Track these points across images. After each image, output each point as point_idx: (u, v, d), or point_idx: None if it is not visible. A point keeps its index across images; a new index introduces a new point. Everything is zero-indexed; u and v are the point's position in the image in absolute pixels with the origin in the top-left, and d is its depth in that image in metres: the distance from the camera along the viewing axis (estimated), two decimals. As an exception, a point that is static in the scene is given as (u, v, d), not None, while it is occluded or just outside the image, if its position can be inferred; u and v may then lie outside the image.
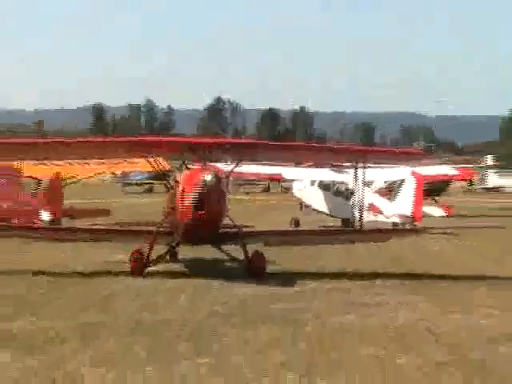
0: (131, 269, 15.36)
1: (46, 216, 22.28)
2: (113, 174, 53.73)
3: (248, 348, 8.88)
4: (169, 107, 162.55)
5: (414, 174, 25.79)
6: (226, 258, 16.50)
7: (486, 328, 10.35)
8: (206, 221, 15.02)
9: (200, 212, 14.92)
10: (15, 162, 25.40)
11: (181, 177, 16.32)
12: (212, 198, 15.04)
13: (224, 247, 16.24)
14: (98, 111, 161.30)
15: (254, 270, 15.50)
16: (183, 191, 15.26)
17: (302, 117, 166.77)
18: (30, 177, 26.02)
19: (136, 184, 55.74)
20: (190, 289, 13.54)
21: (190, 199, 14.91)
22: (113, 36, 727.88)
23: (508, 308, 12.10)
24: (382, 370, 7.81)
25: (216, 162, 19.92)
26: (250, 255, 15.78)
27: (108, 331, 9.70)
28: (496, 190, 49.32)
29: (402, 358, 8.33)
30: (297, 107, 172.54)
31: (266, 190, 56.71)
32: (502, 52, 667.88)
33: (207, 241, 16.05)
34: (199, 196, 14.80)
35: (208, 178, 14.90)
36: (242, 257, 15.82)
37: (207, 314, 11.18)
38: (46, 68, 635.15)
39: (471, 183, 49.42)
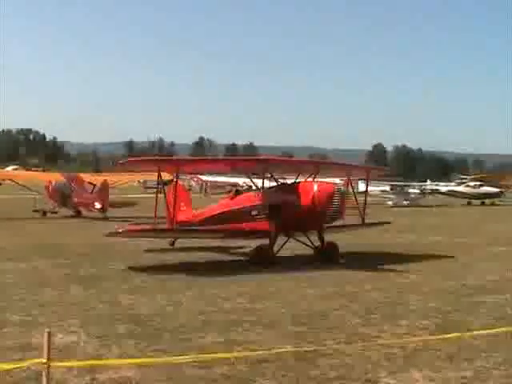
0: (259, 261, 17.64)
1: (98, 205, 34.82)
2: (138, 181, 69.31)
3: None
4: (172, 142, 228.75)
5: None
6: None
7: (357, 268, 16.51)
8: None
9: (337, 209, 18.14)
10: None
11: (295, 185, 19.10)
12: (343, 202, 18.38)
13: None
14: (130, 145, 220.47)
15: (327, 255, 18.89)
16: (316, 196, 18.01)
17: (252, 149, 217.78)
18: (90, 182, 38.18)
19: (152, 187, 76.32)
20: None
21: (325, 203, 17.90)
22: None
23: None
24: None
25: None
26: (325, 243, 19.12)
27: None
28: (362, 193, 66.57)
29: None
30: (247, 142, 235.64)
31: (228, 192, 74.18)
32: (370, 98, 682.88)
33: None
34: (337, 200, 18.06)
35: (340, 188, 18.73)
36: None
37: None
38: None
39: None
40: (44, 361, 5.30)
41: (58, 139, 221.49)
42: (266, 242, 18.41)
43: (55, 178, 40.08)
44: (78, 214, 36.83)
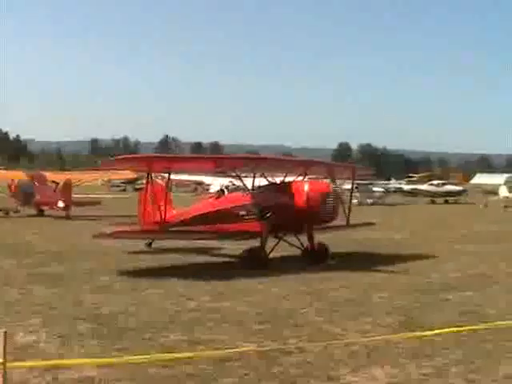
0: (251, 263, 16.84)
1: (61, 204, 34.64)
2: (102, 180, 70.13)
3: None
4: (136, 140, 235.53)
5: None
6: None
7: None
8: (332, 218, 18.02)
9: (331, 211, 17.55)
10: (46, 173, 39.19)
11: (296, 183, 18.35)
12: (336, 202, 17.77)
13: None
14: (95, 143, 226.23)
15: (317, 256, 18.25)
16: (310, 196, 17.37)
17: (217, 148, 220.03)
18: (53, 181, 38.02)
19: (117, 186, 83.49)
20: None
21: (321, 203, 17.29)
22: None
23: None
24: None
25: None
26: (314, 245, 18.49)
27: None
28: None
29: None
30: (213, 140, 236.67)
31: (194, 190, 75.52)
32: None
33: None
34: (331, 200, 17.48)
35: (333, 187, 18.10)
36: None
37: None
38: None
39: None
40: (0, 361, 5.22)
41: (22, 137, 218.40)
42: (256, 243, 17.82)
43: (18, 176, 39.64)
44: (41, 213, 36.49)
